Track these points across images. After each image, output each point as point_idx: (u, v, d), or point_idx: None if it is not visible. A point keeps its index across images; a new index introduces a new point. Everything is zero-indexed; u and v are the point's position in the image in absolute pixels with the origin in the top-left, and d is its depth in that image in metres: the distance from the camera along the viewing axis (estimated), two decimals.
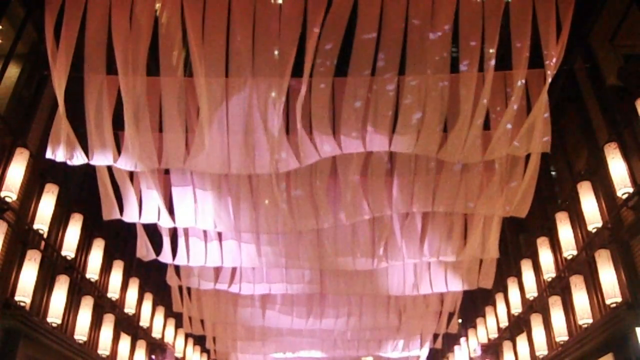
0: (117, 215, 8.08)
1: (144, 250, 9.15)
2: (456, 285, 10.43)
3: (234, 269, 10.37)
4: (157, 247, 9.46)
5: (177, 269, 10.38)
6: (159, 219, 8.38)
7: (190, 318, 11.96)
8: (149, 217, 8.36)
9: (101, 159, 7.00)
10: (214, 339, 13.10)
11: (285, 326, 12.51)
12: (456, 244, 9.10)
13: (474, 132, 6.91)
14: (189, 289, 11.18)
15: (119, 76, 6.42)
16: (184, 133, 6.96)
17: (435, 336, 13.53)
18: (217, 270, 10.42)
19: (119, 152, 7.01)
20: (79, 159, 6.88)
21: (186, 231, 9.28)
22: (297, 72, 6.51)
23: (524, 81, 6.64)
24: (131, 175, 8.00)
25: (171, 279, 10.54)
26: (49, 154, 6.82)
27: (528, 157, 7.43)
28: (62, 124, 6.61)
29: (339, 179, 8.11)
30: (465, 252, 9.06)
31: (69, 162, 6.89)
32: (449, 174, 8.13)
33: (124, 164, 7.16)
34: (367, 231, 9.15)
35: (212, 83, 6.59)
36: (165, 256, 9.45)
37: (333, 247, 9.30)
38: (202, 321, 12.29)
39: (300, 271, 10.36)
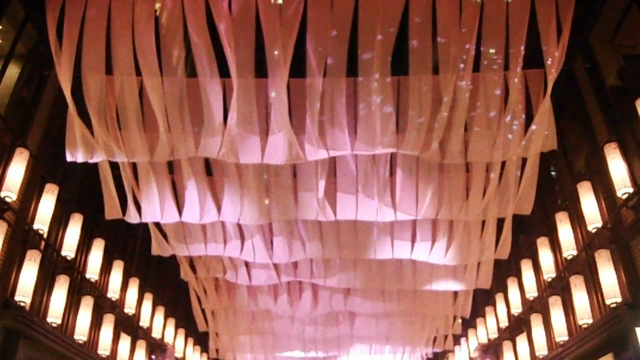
0: (119, 215, 8.08)
1: (157, 247, 9.11)
2: (457, 286, 10.41)
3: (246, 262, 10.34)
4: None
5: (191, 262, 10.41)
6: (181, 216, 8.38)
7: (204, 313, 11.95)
8: (168, 216, 8.37)
9: (119, 157, 7.04)
10: (216, 334, 13.06)
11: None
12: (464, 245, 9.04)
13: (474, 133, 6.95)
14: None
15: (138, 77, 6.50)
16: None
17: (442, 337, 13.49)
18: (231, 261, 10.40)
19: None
20: (99, 157, 6.93)
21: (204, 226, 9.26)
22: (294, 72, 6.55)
23: (516, 81, 6.63)
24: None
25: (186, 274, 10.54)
26: (68, 157, 6.88)
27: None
28: (75, 124, 6.63)
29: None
30: (480, 255, 9.01)
31: (89, 161, 6.97)
32: (454, 178, 8.11)
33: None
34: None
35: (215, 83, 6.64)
36: (181, 249, 9.42)
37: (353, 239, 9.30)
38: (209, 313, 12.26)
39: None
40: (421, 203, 8.16)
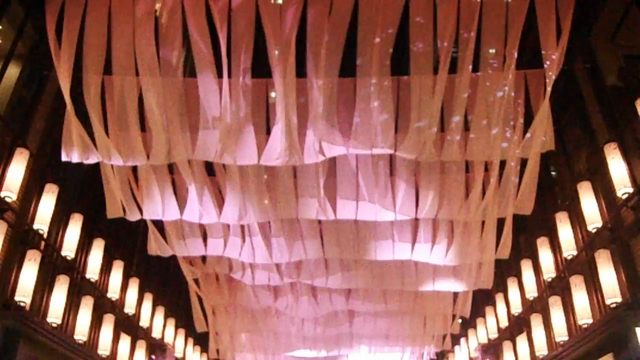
0: (121, 214, 8.07)
1: (156, 247, 9.06)
2: (458, 286, 10.39)
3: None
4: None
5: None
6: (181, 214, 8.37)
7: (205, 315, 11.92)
8: (170, 214, 8.36)
9: (116, 160, 7.02)
10: (216, 334, 13.04)
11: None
12: (467, 246, 9.02)
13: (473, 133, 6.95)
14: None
15: (139, 77, 6.48)
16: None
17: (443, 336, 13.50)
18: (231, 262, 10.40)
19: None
20: (94, 159, 6.91)
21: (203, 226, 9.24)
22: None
23: (507, 84, 6.64)
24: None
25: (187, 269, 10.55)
26: (64, 157, 6.84)
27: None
28: (72, 124, 6.62)
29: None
30: (481, 254, 8.99)
31: (85, 163, 6.94)
32: (454, 179, 8.11)
33: (137, 161, 7.22)
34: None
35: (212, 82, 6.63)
36: (181, 250, 9.40)
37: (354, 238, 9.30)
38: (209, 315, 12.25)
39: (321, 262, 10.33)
40: (421, 203, 8.16)
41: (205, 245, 9.42)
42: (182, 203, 8.35)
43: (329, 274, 10.47)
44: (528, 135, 6.87)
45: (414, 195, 8.21)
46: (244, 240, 9.39)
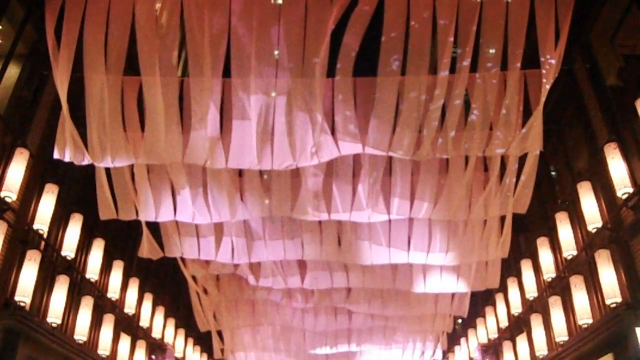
0: (114, 215, 8.05)
1: (146, 249, 9.04)
2: (462, 287, 10.38)
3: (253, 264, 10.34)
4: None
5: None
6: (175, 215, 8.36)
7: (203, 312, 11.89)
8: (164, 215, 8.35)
9: (106, 161, 7.01)
10: (219, 333, 13.01)
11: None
12: (468, 246, 9.01)
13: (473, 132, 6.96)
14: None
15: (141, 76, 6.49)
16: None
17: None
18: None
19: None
20: (86, 160, 6.90)
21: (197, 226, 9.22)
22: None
23: (511, 84, 6.65)
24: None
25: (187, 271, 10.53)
26: (56, 155, 6.83)
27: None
28: (66, 125, 6.61)
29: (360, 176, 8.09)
30: (484, 254, 8.98)
31: (76, 163, 6.92)
32: (453, 178, 8.11)
33: (126, 162, 7.19)
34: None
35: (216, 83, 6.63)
36: (175, 252, 9.38)
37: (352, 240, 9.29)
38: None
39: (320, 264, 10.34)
40: (419, 203, 8.15)
41: (199, 247, 9.41)
42: (176, 203, 8.35)
43: (333, 276, 10.48)
44: (521, 135, 6.87)
45: (412, 195, 8.20)
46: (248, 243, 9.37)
